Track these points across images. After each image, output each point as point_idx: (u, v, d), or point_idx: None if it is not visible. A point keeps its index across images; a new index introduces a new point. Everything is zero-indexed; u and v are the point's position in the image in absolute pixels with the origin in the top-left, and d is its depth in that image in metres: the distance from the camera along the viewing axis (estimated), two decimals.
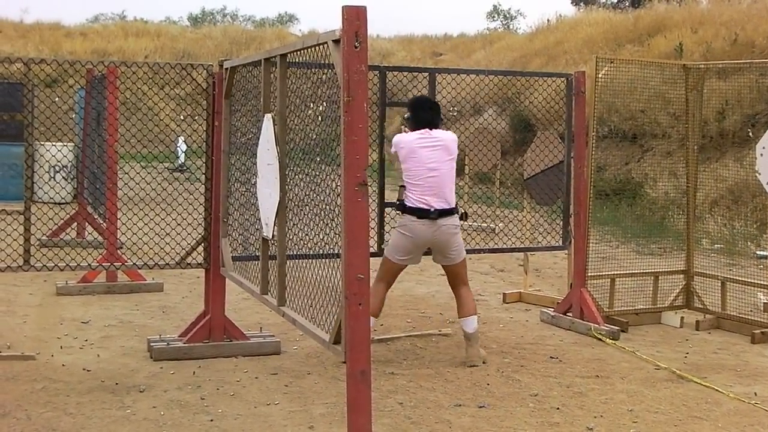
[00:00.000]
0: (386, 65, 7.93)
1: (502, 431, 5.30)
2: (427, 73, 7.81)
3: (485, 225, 12.79)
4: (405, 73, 8.85)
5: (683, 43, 18.60)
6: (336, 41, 4.21)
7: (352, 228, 4.09)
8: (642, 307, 8.37)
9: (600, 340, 7.47)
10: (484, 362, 6.68)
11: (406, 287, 9.45)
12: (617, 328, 7.67)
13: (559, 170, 8.26)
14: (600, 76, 8.13)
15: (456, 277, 6.84)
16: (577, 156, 8.03)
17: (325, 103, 4.96)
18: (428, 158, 6.57)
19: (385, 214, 7.40)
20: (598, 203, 13.19)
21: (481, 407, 5.69)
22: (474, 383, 6.20)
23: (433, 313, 8.39)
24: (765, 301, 8.20)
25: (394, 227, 6.79)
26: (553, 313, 8.11)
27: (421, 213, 6.54)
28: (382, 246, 7.16)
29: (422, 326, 7.83)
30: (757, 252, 11.13)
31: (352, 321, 4.08)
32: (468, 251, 8.37)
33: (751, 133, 13.19)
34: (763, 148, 7.87)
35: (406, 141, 6.68)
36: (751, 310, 8.29)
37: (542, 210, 10.09)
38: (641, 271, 8.83)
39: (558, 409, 5.70)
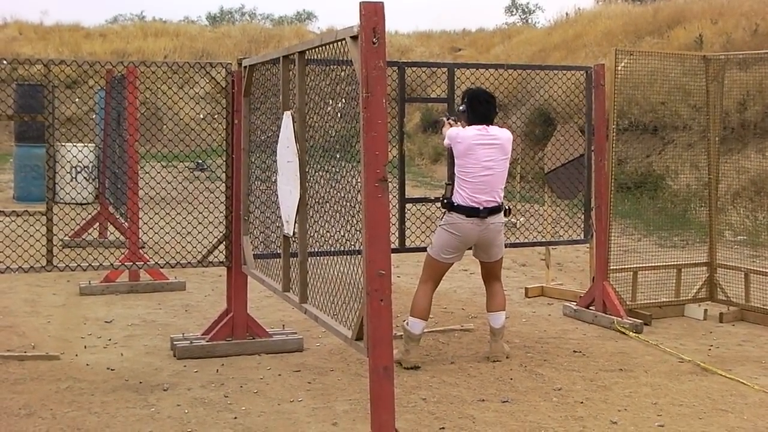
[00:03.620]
0: (405, 61, 7.93)
1: (526, 426, 5.29)
2: (446, 69, 7.79)
3: (506, 219, 12.74)
4: (424, 69, 8.86)
5: (703, 35, 18.48)
6: (354, 38, 4.20)
7: (373, 224, 4.09)
8: (665, 299, 8.33)
9: (623, 333, 7.44)
10: (507, 357, 6.65)
11: None
12: (640, 321, 7.64)
13: (579, 164, 8.22)
14: (619, 68, 8.10)
15: (490, 272, 6.78)
16: (598, 149, 7.99)
17: (344, 100, 4.96)
18: (485, 156, 6.39)
19: (406, 210, 7.39)
20: (619, 196, 13.11)
21: (504, 402, 5.68)
22: (497, 378, 6.19)
23: (455, 308, 8.37)
24: None
25: (440, 225, 6.57)
26: (575, 307, 8.09)
27: (470, 212, 6.39)
28: (419, 243, 7.15)
29: (444, 322, 7.82)
30: None
31: (374, 317, 4.08)
32: None
33: None
34: None
35: (464, 136, 6.46)
36: None
37: (563, 204, 10.04)
38: (664, 263, 8.79)
39: (582, 403, 5.68)
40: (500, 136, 6.49)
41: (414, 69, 8.04)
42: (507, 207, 6.69)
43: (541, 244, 8.78)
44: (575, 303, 8.19)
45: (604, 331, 7.55)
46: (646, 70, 8.57)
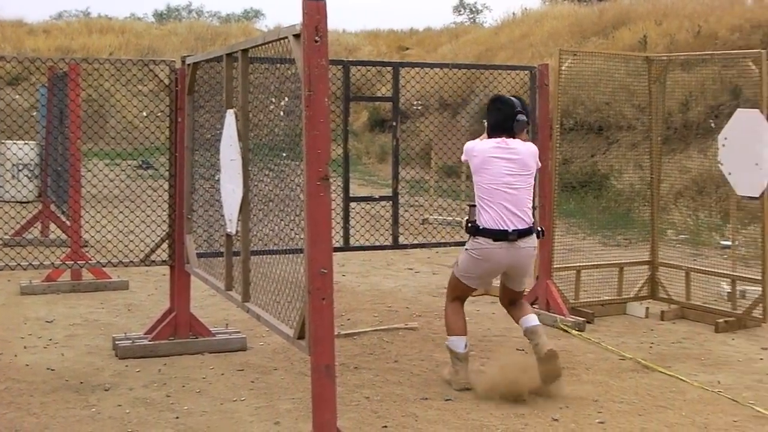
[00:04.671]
0: (350, 60, 7.92)
1: (469, 423, 5.31)
2: (391, 68, 7.80)
3: (452, 219, 12.82)
4: (371, 68, 8.83)
5: (647, 36, 18.72)
6: (297, 36, 4.19)
7: (315, 222, 4.08)
8: (607, 298, 8.43)
9: (566, 331, 7.51)
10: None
11: (374, 281, 9.46)
12: (583, 319, 7.72)
13: None
14: (563, 68, 8.17)
15: (515, 296, 6.22)
16: (542, 148, 8.03)
17: (287, 98, 4.95)
18: (505, 171, 5.83)
19: (351, 209, 7.38)
20: (564, 195, 13.26)
21: (447, 400, 5.71)
22: (440, 376, 6.21)
23: (400, 307, 8.39)
24: (729, 291, 8.27)
25: (465, 249, 6.03)
26: None
27: (498, 235, 5.80)
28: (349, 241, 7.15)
29: (389, 321, 7.83)
30: (721, 242, 11.23)
31: (316, 316, 4.08)
32: (434, 245, 8.43)
33: (713, 124, 13.30)
34: (725, 138, 7.94)
35: (480, 149, 5.93)
36: (715, 300, 8.36)
37: None
38: (607, 262, 8.89)
39: (524, 400, 5.72)
40: (521, 149, 5.91)
41: (362, 68, 8.03)
42: (540, 228, 6.11)
43: None
44: None
45: (547, 329, 7.56)
46: (591, 71, 8.66)
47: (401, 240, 7.70)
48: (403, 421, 5.30)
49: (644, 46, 18.19)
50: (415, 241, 8.69)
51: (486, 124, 6.06)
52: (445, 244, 8.20)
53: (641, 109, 9.10)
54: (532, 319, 6.05)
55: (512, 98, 6.09)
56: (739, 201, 8.14)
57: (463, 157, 6.14)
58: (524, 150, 5.92)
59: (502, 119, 5.94)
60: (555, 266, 8.06)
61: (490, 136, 5.99)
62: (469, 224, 5.96)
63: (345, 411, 5.32)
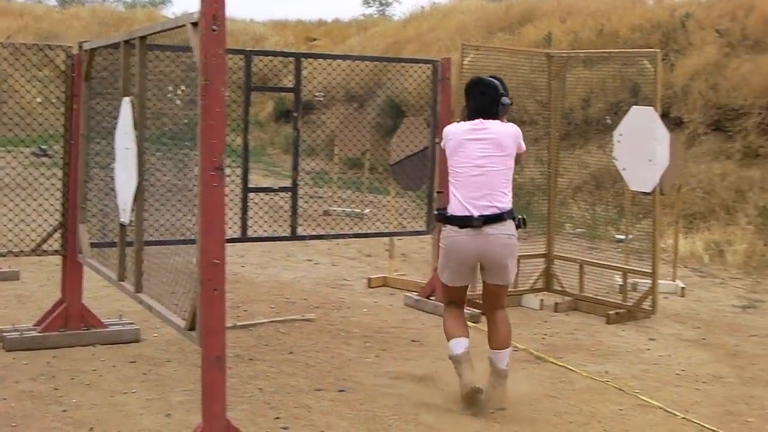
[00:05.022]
0: (252, 49, 7.87)
1: (362, 414, 5.35)
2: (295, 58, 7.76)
3: (353, 210, 12.87)
4: (279, 58, 8.78)
5: (552, 33, 19.00)
6: (194, 24, 4.16)
7: (208, 213, 4.06)
8: None
9: None
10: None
11: (273, 273, 9.43)
12: (478, 311, 7.81)
13: (424, 156, 8.34)
14: (465, 62, 8.25)
15: (493, 298, 5.69)
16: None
17: (183, 88, 4.91)
18: (477, 152, 5.45)
19: (251, 200, 7.34)
20: None
21: (341, 391, 5.73)
22: (335, 367, 6.23)
23: (298, 298, 8.38)
24: (621, 284, 8.48)
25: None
26: (416, 297, 8.22)
27: (463, 221, 5.41)
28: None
29: (286, 312, 7.81)
30: (616, 236, 11.49)
31: (207, 306, 4.06)
32: (333, 236, 8.45)
33: (609, 121, 13.58)
34: (620, 134, 8.12)
35: (454, 132, 5.61)
36: (607, 292, 8.55)
37: (411, 195, 10.19)
38: None
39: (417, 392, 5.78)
40: (496, 129, 5.50)
41: (269, 58, 7.95)
42: (521, 217, 5.57)
43: (384, 234, 8.84)
44: (417, 293, 8.32)
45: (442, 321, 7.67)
46: (496, 66, 8.74)
47: (300, 231, 7.70)
48: (296, 413, 5.31)
49: (549, 43, 18.46)
50: (315, 233, 8.68)
51: (466, 108, 5.69)
52: (344, 236, 8.25)
53: (543, 104, 9.24)
54: (501, 359, 5.58)
55: (494, 80, 5.69)
56: (634, 196, 8.35)
57: (442, 143, 5.82)
58: (501, 130, 5.50)
59: (488, 103, 5.57)
60: None
61: (468, 119, 5.62)
62: (437, 212, 5.69)
63: (238, 402, 5.31)
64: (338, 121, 13.81)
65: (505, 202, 5.44)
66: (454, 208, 5.44)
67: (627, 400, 5.82)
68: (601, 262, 8.87)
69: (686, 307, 8.67)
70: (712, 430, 5.37)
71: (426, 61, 8.60)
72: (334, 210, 13.06)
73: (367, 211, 12.36)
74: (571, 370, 6.40)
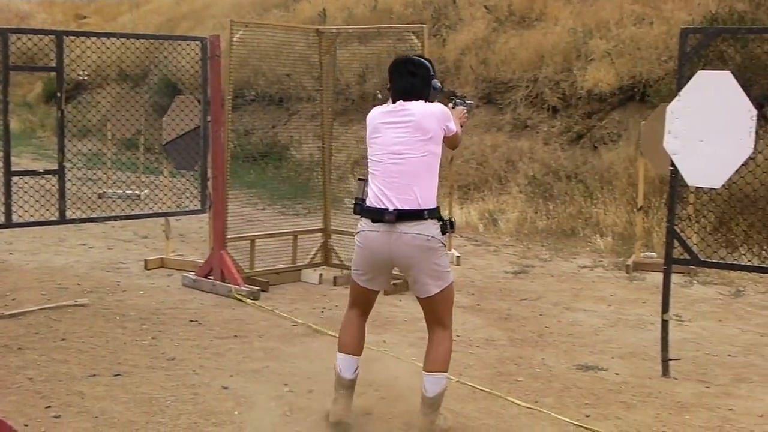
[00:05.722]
0: (8, 27, 7.51)
1: (138, 397, 5.26)
2: (56, 36, 7.47)
3: (130, 192, 12.59)
4: (51, 37, 8.38)
5: (326, 9, 19.15)
6: None
7: None
8: (283, 266, 8.60)
9: (240, 300, 7.60)
10: None
11: (44, 259, 9.09)
12: (257, 288, 7.83)
13: (196, 134, 8.25)
14: (234, 40, 8.18)
15: (426, 313, 4.93)
16: (214, 120, 8.05)
17: None
18: (394, 139, 4.71)
19: (15, 184, 7.04)
20: (245, 167, 13.35)
21: (116, 375, 5.61)
22: (110, 352, 6.09)
23: (71, 284, 8.10)
24: None
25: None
26: (194, 277, 8.13)
27: (375, 214, 4.69)
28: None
29: (58, 298, 7.53)
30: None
31: None
32: (105, 218, 8.22)
33: (380, 95, 13.87)
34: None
35: (371, 117, 4.85)
36: None
37: (187, 175, 10.05)
38: (281, 231, 9.04)
39: (194, 371, 5.74)
40: (416, 110, 4.72)
41: (38, 37, 7.58)
42: (448, 219, 4.78)
43: (158, 215, 8.69)
44: (194, 273, 8.24)
45: (221, 300, 7.66)
46: (272, 43, 8.74)
47: (72, 215, 7.45)
48: (69, 400, 5.16)
49: (324, 19, 18.61)
50: (87, 216, 8.41)
51: (390, 90, 4.90)
52: (116, 218, 8.07)
53: (319, 80, 9.31)
54: (432, 384, 4.85)
55: (425, 60, 4.96)
56: None
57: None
58: (421, 110, 4.72)
59: (419, 84, 4.82)
60: (229, 236, 8.11)
61: (393, 102, 4.86)
62: (355, 202, 4.87)
63: (6, 394, 5.13)
64: (112, 102, 13.42)
65: (428, 197, 4.70)
66: (372, 199, 4.73)
67: (405, 367, 5.98)
68: None
69: (461, 275, 8.97)
70: (484, 390, 5.61)
71: (194, 38, 8.47)
72: (110, 192, 12.72)
73: (145, 191, 12.10)
74: None
